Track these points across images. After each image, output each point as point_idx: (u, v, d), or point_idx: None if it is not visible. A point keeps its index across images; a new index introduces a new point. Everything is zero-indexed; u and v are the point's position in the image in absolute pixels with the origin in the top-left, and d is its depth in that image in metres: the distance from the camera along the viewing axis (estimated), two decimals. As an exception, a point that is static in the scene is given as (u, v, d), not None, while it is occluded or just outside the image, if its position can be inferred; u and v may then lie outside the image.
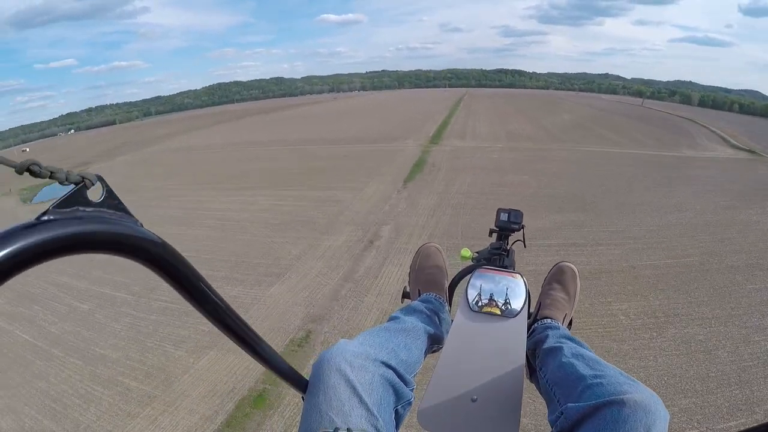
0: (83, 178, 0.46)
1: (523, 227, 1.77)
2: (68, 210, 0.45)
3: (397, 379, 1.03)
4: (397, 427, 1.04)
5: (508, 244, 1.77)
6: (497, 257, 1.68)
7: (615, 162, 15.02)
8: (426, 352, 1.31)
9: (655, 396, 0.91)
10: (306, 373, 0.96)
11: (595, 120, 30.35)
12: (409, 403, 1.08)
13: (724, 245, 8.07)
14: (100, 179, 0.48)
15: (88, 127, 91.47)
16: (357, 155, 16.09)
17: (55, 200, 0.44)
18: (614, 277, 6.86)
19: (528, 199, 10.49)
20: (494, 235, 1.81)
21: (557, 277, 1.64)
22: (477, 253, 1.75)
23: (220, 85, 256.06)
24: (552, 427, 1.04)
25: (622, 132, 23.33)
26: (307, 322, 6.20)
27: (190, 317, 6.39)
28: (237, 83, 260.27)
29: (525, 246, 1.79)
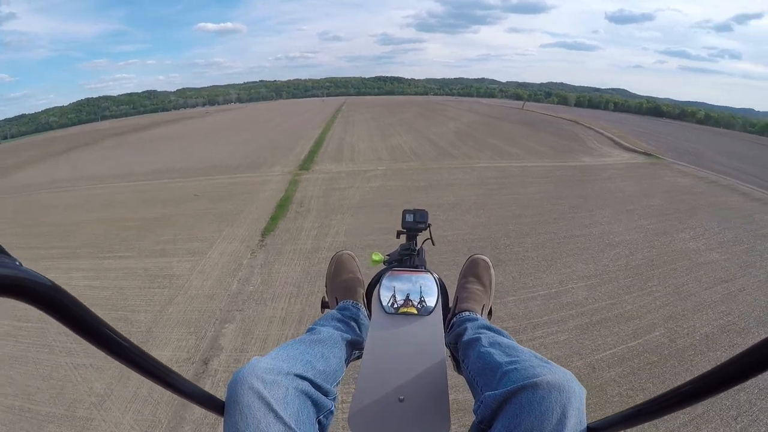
0: None
1: (429, 226, 2.02)
2: None
3: (314, 390, 1.13)
4: None
5: (417, 243, 1.99)
6: (408, 257, 1.87)
7: (517, 180, 13.52)
8: (347, 360, 1.45)
9: (569, 374, 1.00)
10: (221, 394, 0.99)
11: (482, 127, 29.51)
12: (331, 412, 1.18)
13: (683, 299, 6.37)
14: None
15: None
16: (211, 192, 13.20)
17: None
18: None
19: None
20: (402, 236, 2.03)
21: (472, 270, 1.84)
22: (388, 255, 1.92)
23: (88, 100, 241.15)
24: (474, 416, 1.11)
25: (513, 140, 22.38)
26: None
27: None
28: (107, 98, 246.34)
29: (434, 244, 2.04)
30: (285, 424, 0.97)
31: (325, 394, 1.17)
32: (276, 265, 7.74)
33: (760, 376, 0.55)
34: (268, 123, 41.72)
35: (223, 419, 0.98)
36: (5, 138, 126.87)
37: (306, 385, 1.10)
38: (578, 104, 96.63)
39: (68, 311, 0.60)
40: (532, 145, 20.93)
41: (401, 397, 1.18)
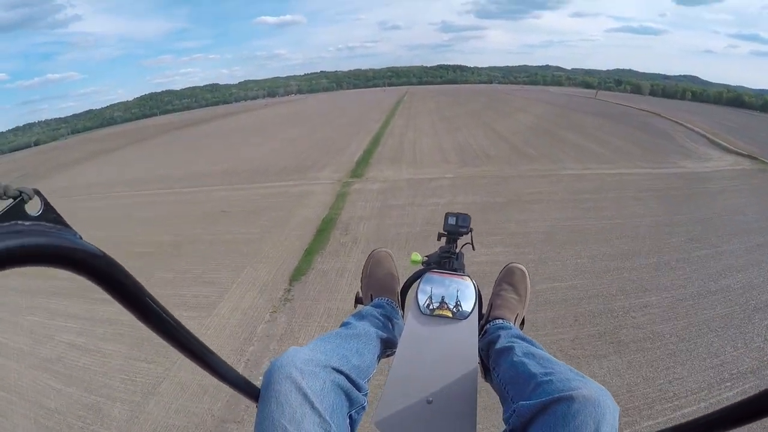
0: (21, 192, 0.50)
1: (471, 230, 1.97)
2: (7, 224, 0.48)
3: (350, 385, 1.11)
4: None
5: (457, 247, 1.94)
6: (447, 260, 1.79)
7: (615, 195, 10.70)
8: (379, 357, 1.43)
9: (604, 390, 0.99)
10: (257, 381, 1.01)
11: (557, 120, 26.33)
12: (363, 408, 1.16)
13: None
14: (38, 193, 0.52)
15: (12, 150, 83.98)
16: (244, 207, 11.14)
17: None
18: None
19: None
20: (443, 239, 1.98)
21: (507, 278, 1.80)
22: (427, 257, 1.88)
23: (151, 95, 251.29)
24: (506, 425, 1.11)
25: (596, 137, 19.33)
26: None
27: None
28: (169, 92, 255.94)
29: (474, 249, 2.00)
30: (320, 415, 0.96)
31: (359, 389, 1.15)
32: (301, 338, 5.43)
33: None
34: (324, 116, 39.69)
35: (257, 406, 0.98)
36: (72, 133, 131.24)
37: (342, 379, 1.09)
38: (652, 93, 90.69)
39: (122, 286, 0.63)
40: (619, 143, 17.91)
41: (430, 399, 1.17)
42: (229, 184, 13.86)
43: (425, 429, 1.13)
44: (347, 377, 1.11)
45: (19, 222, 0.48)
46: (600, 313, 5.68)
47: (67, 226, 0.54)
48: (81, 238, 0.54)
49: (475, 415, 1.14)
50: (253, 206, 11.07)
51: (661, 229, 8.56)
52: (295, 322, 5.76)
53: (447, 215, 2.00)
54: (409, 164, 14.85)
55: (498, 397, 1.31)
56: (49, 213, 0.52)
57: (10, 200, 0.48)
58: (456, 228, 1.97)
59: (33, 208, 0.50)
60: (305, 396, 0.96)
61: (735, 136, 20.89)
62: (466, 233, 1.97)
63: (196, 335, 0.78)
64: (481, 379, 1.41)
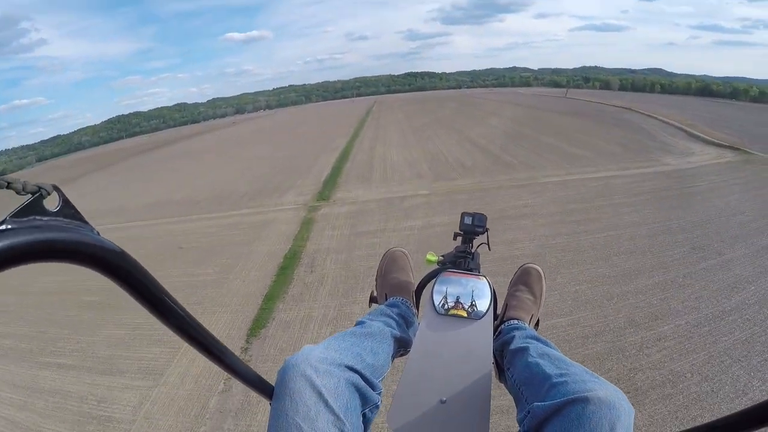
0: (40, 188, 0.50)
1: (487, 230, 2.00)
2: (25, 219, 0.48)
3: (364, 384, 1.13)
4: (365, 430, 1.13)
5: (472, 247, 1.97)
6: (462, 260, 1.82)
7: (605, 203, 10.00)
8: (393, 356, 1.45)
9: (620, 392, 1.00)
10: (271, 378, 1.02)
11: (531, 122, 25.64)
12: (377, 407, 1.18)
13: None
14: (57, 189, 0.53)
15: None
16: (200, 243, 10.12)
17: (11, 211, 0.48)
18: None
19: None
20: (459, 238, 2.01)
21: (523, 278, 1.83)
22: (442, 256, 1.89)
23: (119, 117, 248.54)
24: (520, 426, 1.12)
25: (574, 138, 18.71)
26: None
27: None
28: (137, 114, 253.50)
29: (489, 249, 2.01)
30: (334, 414, 0.97)
31: (373, 388, 1.16)
32: (259, 414, 4.51)
33: None
34: (291, 132, 38.73)
35: (270, 403, 1.00)
36: (39, 161, 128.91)
37: (356, 378, 1.11)
38: (622, 88, 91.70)
39: (140, 284, 0.64)
40: (598, 143, 17.31)
41: (443, 399, 1.17)
42: (187, 215, 12.82)
43: (438, 429, 1.12)
44: (361, 376, 1.12)
45: (38, 217, 0.49)
46: (610, 354, 4.88)
47: (85, 221, 0.55)
48: (99, 234, 0.55)
49: (489, 415, 1.14)
50: (211, 241, 10.09)
51: (660, 238, 7.89)
52: (252, 393, 4.85)
53: (463, 215, 2.01)
54: (379, 181, 13.94)
55: (511, 399, 1.34)
56: (67, 209, 0.53)
57: (29, 196, 0.48)
58: (472, 227, 1.97)
59: (51, 204, 0.50)
60: (320, 394, 0.97)
61: (711, 126, 20.68)
62: (483, 233, 1.98)
63: (212, 333, 0.79)
64: (494, 380, 1.38)
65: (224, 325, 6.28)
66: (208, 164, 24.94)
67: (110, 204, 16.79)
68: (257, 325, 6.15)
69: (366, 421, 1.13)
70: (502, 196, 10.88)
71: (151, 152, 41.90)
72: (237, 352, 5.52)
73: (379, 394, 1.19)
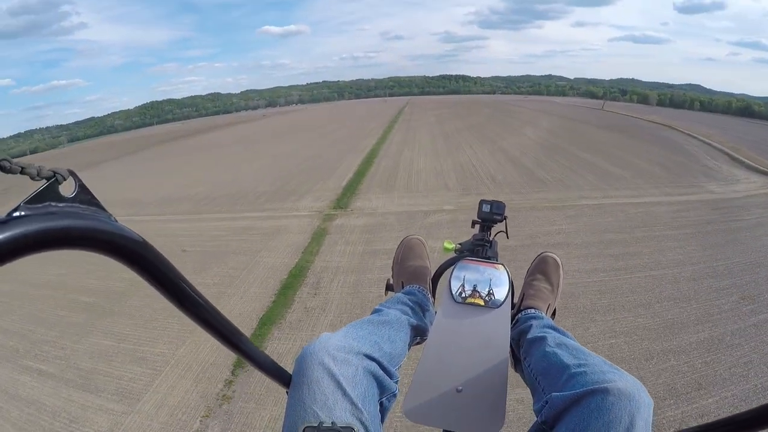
0: (55, 173, 0.48)
1: (505, 218, 1.96)
2: (40, 206, 0.47)
3: (381, 372, 1.11)
4: (382, 419, 1.10)
5: (490, 235, 1.94)
6: (480, 248, 1.81)
7: (646, 235, 9.14)
8: (410, 344, 1.42)
9: (639, 383, 0.98)
10: (289, 366, 0.99)
11: (567, 135, 24.68)
12: (394, 395, 1.16)
13: None
14: (73, 174, 0.51)
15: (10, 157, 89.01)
16: (205, 247, 9.67)
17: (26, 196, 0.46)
18: None
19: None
20: (477, 226, 1.98)
21: (540, 267, 1.77)
22: (460, 244, 1.88)
23: (152, 104, 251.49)
24: (537, 416, 1.09)
25: (612, 155, 17.84)
26: None
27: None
28: (170, 101, 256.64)
29: (508, 237, 1.99)
30: (352, 402, 0.95)
31: (390, 376, 1.15)
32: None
33: None
34: (319, 129, 38.15)
35: (288, 392, 0.98)
36: (71, 141, 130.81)
37: (374, 366, 1.09)
38: (660, 103, 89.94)
39: (161, 273, 0.62)
40: (638, 162, 16.40)
41: (459, 388, 1.14)
42: (199, 214, 12.43)
43: (454, 418, 1.09)
44: (379, 364, 1.11)
45: (53, 204, 0.47)
46: None
47: (102, 208, 0.54)
48: (117, 220, 0.54)
49: (505, 404, 1.11)
50: (216, 246, 9.58)
51: (706, 283, 7.05)
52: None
53: (481, 202, 1.98)
54: (402, 191, 13.23)
55: (527, 389, 1.31)
56: (84, 194, 0.52)
57: (44, 181, 0.47)
58: (490, 215, 1.94)
59: (67, 190, 0.49)
60: (338, 382, 0.95)
61: (756, 151, 19.54)
62: (501, 221, 1.95)
63: (231, 321, 0.78)
64: (510, 370, 1.34)
65: (209, 351, 5.72)
66: (232, 158, 24.54)
67: (126, 194, 16.57)
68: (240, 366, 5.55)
69: (383, 410, 1.11)
70: (533, 219, 10.10)
71: (178, 141, 42.02)
72: (218, 388, 5.07)
73: (396, 382, 1.17)
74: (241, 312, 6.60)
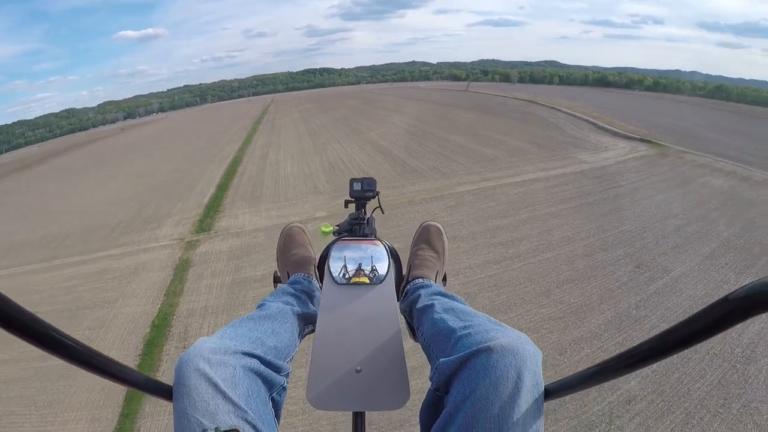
0: None
1: (377, 194, 1.99)
2: None
3: (264, 368, 1.07)
4: (277, 414, 1.09)
5: (366, 212, 1.94)
6: (357, 227, 1.83)
7: (530, 215, 9.12)
8: (301, 334, 1.41)
9: (523, 336, 0.98)
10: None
11: (436, 120, 24.66)
12: (284, 389, 1.15)
13: None
14: None
15: None
16: (56, 305, 7.93)
17: None
18: None
19: None
20: (351, 206, 2.00)
21: (424, 236, 1.78)
22: (337, 226, 1.89)
23: (1, 128, 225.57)
24: (431, 383, 1.07)
25: (482, 136, 18.03)
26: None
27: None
28: (21, 122, 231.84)
29: (383, 212, 2.05)
30: (234, 404, 0.92)
31: (277, 370, 1.13)
32: None
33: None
34: (179, 139, 35.72)
35: (172, 404, 0.93)
36: None
37: (255, 363, 1.06)
38: (521, 80, 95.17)
39: (13, 319, 0.57)
40: (509, 140, 16.70)
41: (358, 368, 1.15)
42: (52, 260, 10.40)
43: (359, 399, 1.09)
44: (261, 360, 1.08)
45: None
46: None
47: None
48: None
49: (407, 377, 1.12)
50: (70, 301, 7.86)
51: (599, 256, 7.12)
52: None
53: (352, 181, 1.98)
54: (270, 202, 12.17)
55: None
56: None
57: None
58: (362, 193, 1.95)
59: None
60: (216, 386, 0.92)
61: (617, 117, 21.06)
62: (374, 197, 1.98)
63: (100, 351, 0.71)
64: (411, 341, 1.42)
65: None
66: (87, 183, 22.06)
67: None
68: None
69: (275, 405, 1.09)
70: (413, 214, 9.53)
71: (31, 169, 36.50)
72: None
73: (286, 375, 1.15)
74: (100, 391, 5.24)
